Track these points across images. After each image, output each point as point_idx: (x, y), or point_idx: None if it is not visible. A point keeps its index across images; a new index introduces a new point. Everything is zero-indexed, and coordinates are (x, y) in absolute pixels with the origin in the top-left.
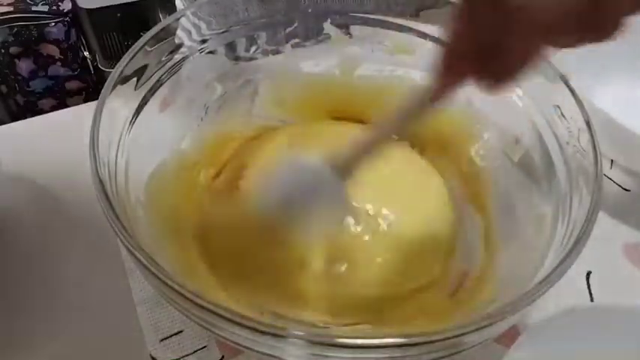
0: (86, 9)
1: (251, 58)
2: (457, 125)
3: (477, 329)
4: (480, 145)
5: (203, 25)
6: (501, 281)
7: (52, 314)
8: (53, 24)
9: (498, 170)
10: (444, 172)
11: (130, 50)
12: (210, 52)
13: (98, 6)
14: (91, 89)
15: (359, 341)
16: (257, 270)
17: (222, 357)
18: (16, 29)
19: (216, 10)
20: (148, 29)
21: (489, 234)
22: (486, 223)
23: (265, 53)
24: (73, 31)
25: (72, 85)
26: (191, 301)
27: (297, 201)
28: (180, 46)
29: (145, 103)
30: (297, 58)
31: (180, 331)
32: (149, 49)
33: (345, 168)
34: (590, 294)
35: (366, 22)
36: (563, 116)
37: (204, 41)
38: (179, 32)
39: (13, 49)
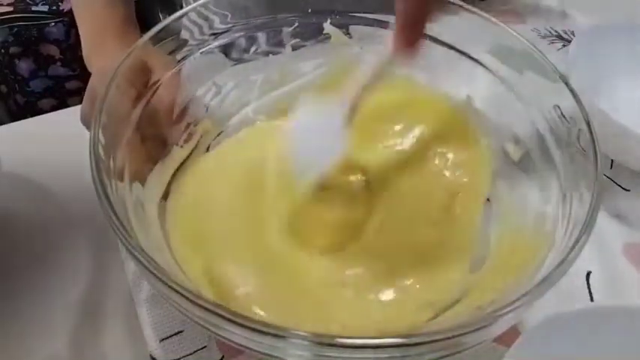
0: None
1: (251, 59)
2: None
3: (476, 329)
4: (480, 145)
5: (205, 25)
6: (501, 281)
7: (52, 314)
8: (53, 24)
9: (498, 170)
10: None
11: (130, 50)
12: (211, 52)
13: None
14: None
15: (359, 341)
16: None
17: (222, 357)
18: (16, 29)
19: (216, 10)
20: (148, 29)
21: (488, 234)
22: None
23: (265, 53)
24: (73, 31)
25: (72, 85)
26: (191, 301)
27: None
28: (180, 45)
29: (146, 103)
30: (297, 58)
31: (180, 331)
32: None
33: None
34: (590, 294)
35: (366, 22)
36: (563, 116)
37: (205, 41)
38: (182, 31)
39: (13, 49)
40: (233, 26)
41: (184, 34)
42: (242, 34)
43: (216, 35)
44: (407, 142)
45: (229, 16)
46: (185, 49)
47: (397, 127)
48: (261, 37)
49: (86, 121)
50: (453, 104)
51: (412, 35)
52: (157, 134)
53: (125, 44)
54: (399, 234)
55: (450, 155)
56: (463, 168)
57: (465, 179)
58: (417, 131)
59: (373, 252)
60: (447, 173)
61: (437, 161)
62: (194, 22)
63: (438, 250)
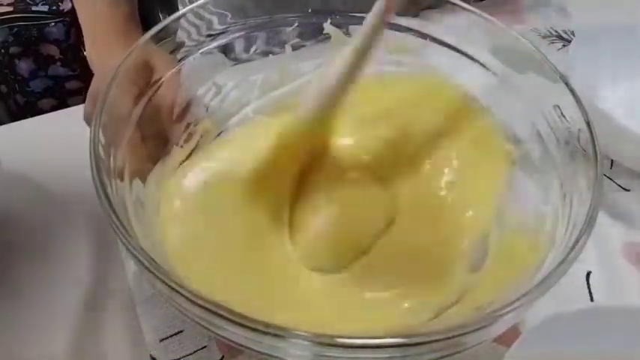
0: None
1: (251, 58)
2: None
3: (477, 329)
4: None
5: (203, 25)
6: (501, 281)
7: (52, 314)
8: (53, 24)
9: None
10: None
11: (131, 50)
12: (211, 52)
13: None
14: None
15: (359, 341)
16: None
17: (222, 357)
18: (16, 29)
19: (216, 10)
20: (148, 29)
21: (489, 234)
22: (487, 224)
23: (265, 53)
24: (73, 31)
25: (72, 85)
26: (191, 301)
27: None
28: (180, 45)
29: (148, 102)
30: (297, 58)
31: (181, 331)
32: None
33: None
34: (590, 294)
35: None
36: (563, 116)
37: (204, 41)
38: (179, 32)
39: (13, 49)
40: (233, 26)
41: (183, 35)
42: (242, 34)
43: (215, 35)
44: (419, 143)
45: (229, 16)
46: (185, 49)
47: (409, 125)
48: (261, 37)
49: (89, 121)
50: (476, 105)
51: None
52: (157, 133)
53: (128, 43)
54: (403, 237)
55: (464, 158)
56: (477, 172)
57: (476, 184)
58: (431, 130)
59: (374, 251)
60: (460, 177)
61: (448, 163)
62: (192, 23)
63: (438, 250)
